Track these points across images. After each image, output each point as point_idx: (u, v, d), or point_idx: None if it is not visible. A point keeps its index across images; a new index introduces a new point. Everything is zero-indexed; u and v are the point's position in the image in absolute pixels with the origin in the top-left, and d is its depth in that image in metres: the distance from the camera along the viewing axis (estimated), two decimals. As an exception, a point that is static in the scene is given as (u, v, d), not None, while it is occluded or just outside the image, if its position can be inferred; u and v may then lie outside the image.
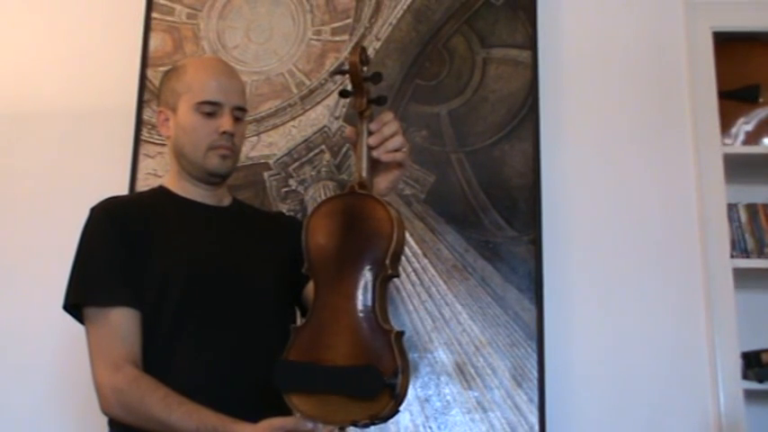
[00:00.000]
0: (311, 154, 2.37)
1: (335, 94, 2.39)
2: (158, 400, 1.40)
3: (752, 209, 2.36)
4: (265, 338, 1.50)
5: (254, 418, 1.36)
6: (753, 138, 2.44)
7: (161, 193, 1.67)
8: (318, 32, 2.46)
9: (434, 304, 2.24)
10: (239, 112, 1.63)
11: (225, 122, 1.58)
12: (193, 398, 1.41)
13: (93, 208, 1.59)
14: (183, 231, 1.58)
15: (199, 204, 1.64)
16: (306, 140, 2.38)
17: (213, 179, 1.63)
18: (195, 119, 1.59)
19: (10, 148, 2.47)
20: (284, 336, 1.38)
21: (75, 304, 1.53)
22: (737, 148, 2.42)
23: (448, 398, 2.19)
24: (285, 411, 1.44)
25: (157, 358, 1.49)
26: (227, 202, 1.71)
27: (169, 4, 2.49)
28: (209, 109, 1.58)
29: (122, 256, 1.51)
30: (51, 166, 2.45)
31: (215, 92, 1.59)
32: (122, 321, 1.48)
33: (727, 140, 2.43)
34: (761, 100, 2.45)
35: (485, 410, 2.17)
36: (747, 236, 2.34)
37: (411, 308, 2.23)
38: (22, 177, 2.45)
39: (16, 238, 2.41)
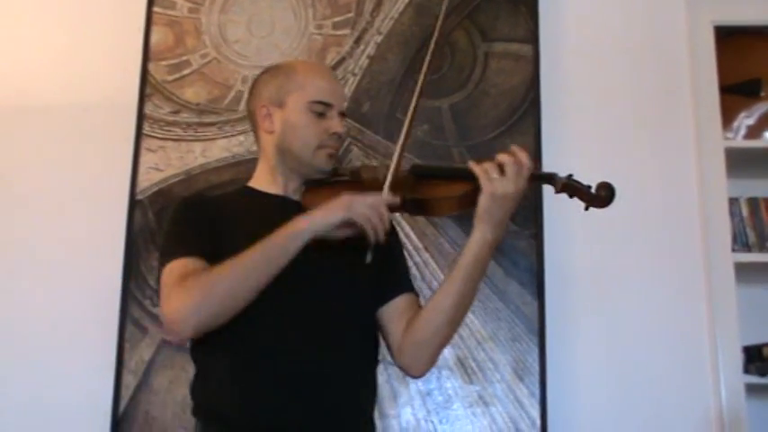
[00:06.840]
0: (313, 148, 2.36)
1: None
2: (219, 267, 1.43)
3: (753, 203, 2.36)
4: (338, 338, 1.51)
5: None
6: (754, 132, 2.44)
7: (245, 192, 1.68)
8: (320, 26, 2.46)
9: (436, 298, 2.23)
10: (341, 117, 1.66)
11: (336, 124, 1.62)
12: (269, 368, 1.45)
13: (177, 201, 1.74)
14: (258, 222, 1.55)
15: (284, 198, 1.64)
16: (307, 135, 2.37)
17: (316, 175, 1.64)
18: (306, 117, 1.61)
19: (11, 142, 2.47)
20: (360, 338, 1.54)
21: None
22: (739, 142, 2.42)
23: (449, 392, 2.19)
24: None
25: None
26: None
27: (170, -2, 2.49)
28: (321, 109, 1.61)
29: (201, 232, 1.54)
30: (53, 160, 2.44)
31: (327, 93, 1.63)
32: (195, 262, 1.49)
33: (729, 134, 2.42)
34: (762, 94, 2.44)
35: (486, 404, 2.17)
36: (749, 230, 2.34)
37: (413, 302, 2.23)
38: (23, 171, 2.45)
39: (17, 233, 2.41)
